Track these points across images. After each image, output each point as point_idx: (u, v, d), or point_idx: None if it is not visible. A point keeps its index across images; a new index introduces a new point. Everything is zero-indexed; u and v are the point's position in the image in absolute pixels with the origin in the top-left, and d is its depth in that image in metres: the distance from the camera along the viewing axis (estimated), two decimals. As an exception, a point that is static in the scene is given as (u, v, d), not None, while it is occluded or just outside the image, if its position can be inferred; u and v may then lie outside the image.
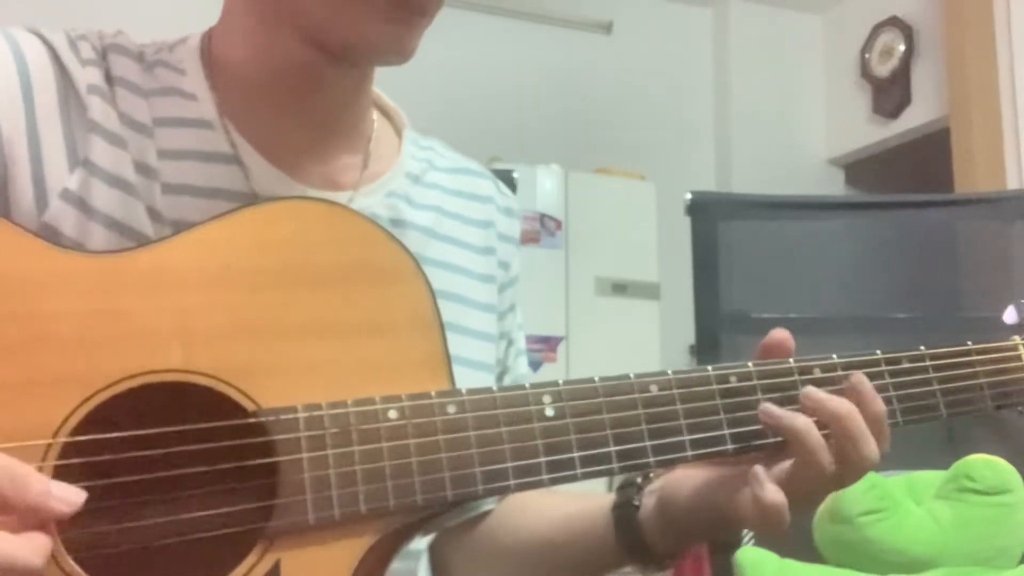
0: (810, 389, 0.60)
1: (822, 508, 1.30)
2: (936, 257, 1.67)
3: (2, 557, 0.43)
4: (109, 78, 0.66)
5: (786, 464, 0.59)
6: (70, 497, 0.46)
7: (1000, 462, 1.28)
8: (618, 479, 0.69)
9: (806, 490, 0.59)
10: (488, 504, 0.78)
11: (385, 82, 0.76)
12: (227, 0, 0.70)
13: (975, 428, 1.41)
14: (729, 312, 1.56)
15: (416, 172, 0.77)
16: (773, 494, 0.57)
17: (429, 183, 0.78)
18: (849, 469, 0.59)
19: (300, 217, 0.58)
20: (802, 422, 0.58)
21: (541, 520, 0.76)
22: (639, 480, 0.70)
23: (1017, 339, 0.70)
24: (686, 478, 0.66)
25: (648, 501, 0.68)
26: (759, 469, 0.59)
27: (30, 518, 0.46)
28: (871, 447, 0.59)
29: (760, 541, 1.41)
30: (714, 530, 0.68)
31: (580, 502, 0.74)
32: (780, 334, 0.64)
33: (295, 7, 0.65)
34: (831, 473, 0.58)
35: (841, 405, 0.59)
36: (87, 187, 0.62)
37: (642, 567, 0.69)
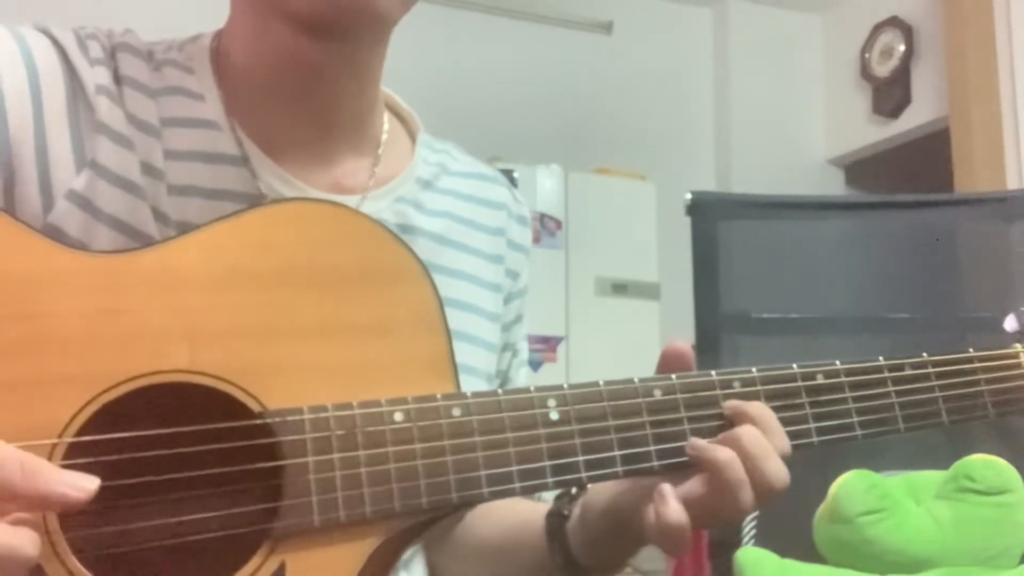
0: (694, 441, 0.58)
1: (822, 508, 1.30)
2: (936, 257, 1.66)
3: (2, 546, 0.43)
4: (117, 78, 0.66)
5: (698, 484, 0.58)
6: (83, 483, 0.45)
7: (1000, 462, 1.28)
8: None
9: (715, 516, 0.58)
10: None
11: (385, 82, 0.76)
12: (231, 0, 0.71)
13: (975, 428, 1.41)
14: (729, 312, 1.56)
15: (428, 177, 0.77)
16: (676, 514, 0.56)
17: (441, 188, 0.77)
18: (759, 491, 0.58)
19: (305, 218, 0.58)
20: (725, 455, 0.57)
21: (498, 525, 0.76)
22: (573, 491, 0.69)
23: (1018, 347, 0.70)
24: (603, 490, 0.65)
25: (576, 512, 0.68)
26: (665, 487, 0.57)
27: (40, 507, 0.46)
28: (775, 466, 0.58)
29: (760, 541, 1.41)
30: (624, 544, 0.65)
31: (530, 509, 0.74)
32: (676, 348, 0.62)
33: None
34: (749, 506, 0.57)
35: (723, 452, 0.57)
36: (93, 188, 0.62)
37: None
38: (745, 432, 0.58)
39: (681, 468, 0.58)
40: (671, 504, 0.56)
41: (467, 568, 0.79)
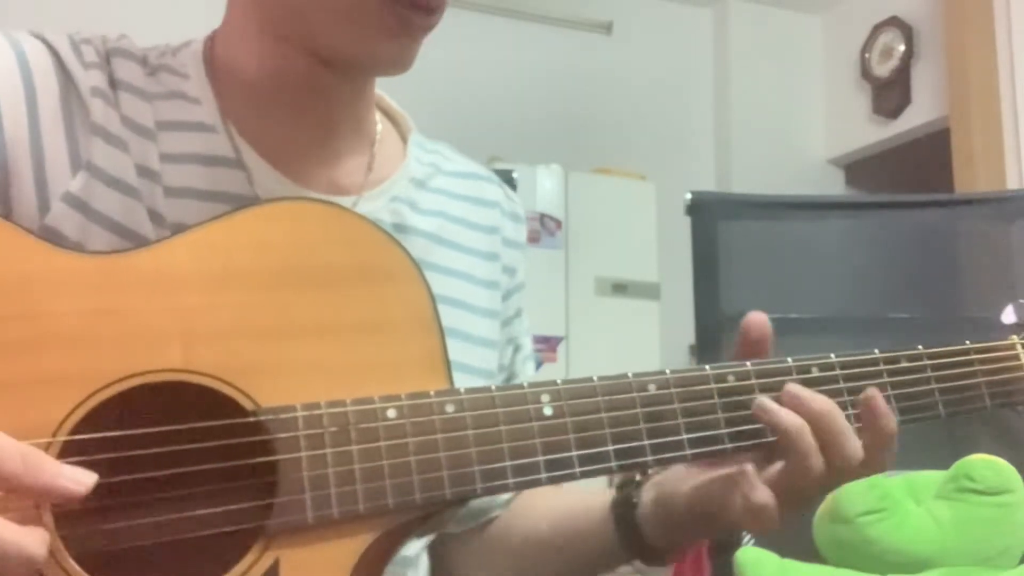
0: (791, 386, 0.60)
1: (822, 508, 1.29)
2: (936, 257, 1.66)
3: (10, 544, 0.43)
4: (112, 82, 0.66)
5: (777, 465, 0.59)
6: (82, 478, 0.47)
7: (1000, 462, 1.28)
8: (618, 476, 0.70)
9: (796, 492, 0.59)
10: (497, 510, 0.79)
11: (384, 82, 0.76)
12: (229, 7, 0.71)
13: (975, 427, 1.41)
14: (729, 312, 1.56)
15: (421, 177, 0.77)
16: (763, 495, 0.58)
17: (434, 188, 0.78)
18: (834, 470, 0.59)
19: (299, 218, 0.58)
20: (795, 422, 0.58)
21: (544, 521, 0.77)
22: (638, 478, 0.71)
23: (1015, 339, 0.70)
24: (687, 476, 0.67)
25: (646, 498, 0.70)
26: (750, 469, 0.59)
27: (40, 500, 0.46)
28: (853, 445, 0.59)
29: (760, 541, 1.40)
30: (710, 528, 0.69)
31: (583, 501, 0.75)
32: (756, 322, 0.63)
33: (296, 20, 0.65)
34: (821, 475, 0.58)
35: (824, 403, 0.59)
36: (89, 190, 0.62)
37: (644, 562, 0.71)
38: (815, 399, 0.59)
39: (674, 462, 0.59)
40: (758, 486, 0.58)
41: (507, 564, 0.79)
